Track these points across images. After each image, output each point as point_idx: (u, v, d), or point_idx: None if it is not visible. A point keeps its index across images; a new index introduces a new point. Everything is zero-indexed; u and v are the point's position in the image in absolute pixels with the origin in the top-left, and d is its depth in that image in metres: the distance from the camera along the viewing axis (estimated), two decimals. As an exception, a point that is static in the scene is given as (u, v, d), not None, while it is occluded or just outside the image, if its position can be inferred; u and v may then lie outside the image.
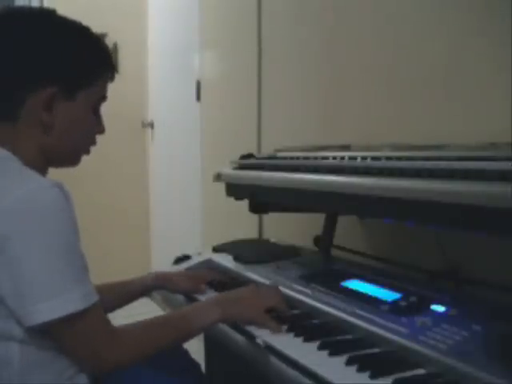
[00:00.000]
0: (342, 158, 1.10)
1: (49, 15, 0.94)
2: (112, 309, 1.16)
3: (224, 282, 1.28)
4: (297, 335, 0.93)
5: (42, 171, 0.91)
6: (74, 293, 0.79)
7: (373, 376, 0.75)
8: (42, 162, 0.91)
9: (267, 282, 1.20)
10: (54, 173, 0.95)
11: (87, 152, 0.99)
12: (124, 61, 3.27)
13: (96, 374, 0.88)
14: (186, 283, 1.26)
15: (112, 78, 1.01)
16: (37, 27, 0.90)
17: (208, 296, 1.21)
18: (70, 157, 0.98)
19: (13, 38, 0.88)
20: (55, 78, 0.89)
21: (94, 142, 1.00)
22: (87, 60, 0.94)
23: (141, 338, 0.89)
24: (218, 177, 1.45)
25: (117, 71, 1.03)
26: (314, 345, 0.87)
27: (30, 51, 0.88)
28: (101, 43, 0.98)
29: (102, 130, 1.01)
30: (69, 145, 0.94)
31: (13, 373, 0.80)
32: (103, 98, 0.99)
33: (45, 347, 0.82)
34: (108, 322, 0.85)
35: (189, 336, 0.96)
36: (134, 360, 0.87)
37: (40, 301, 0.77)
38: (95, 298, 0.82)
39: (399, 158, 0.97)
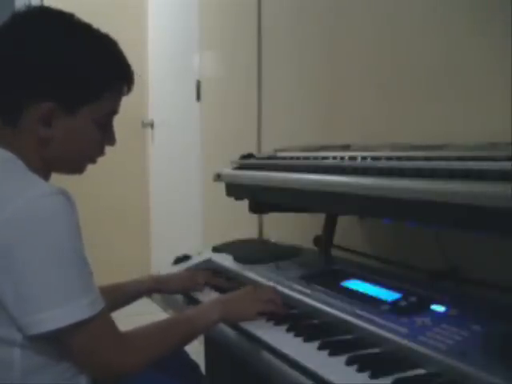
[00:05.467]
0: (342, 157, 1.10)
1: (54, 17, 0.88)
2: None
3: (220, 285, 1.27)
4: (297, 335, 0.93)
5: (45, 176, 0.89)
6: (82, 300, 0.78)
7: (373, 376, 0.76)
8: (43, 168, 0.89)
9: (267, 282, 1.20)
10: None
11: (92, 162, 0.96)
12: (124, 61, 3.26)
13: (106, 380, 0.87)
14: (181, 286, 1.27)
15: (129, 91, 0.94)
16: (38, 35, 0.85)
17: (206, 294, 1.22)
18: (72, 166, 0.95)
19: (13, 45, 0.85)
20: (54, 92, 0.85)
21: (101, 153, 0.96)
22: (92, 75, 0.88)
23: (149, 341, 0.89)
24: (218, 177, 1.45)
25: (132, 84, 0.94)
26: (314, 345, 0.87)
27: (28, 62, 0.84)
28: (113, 53, 0.91)
29: (112, 143, 0.96)
30: (68, 156, 0.91)
31: (13, 375, 0.80)
32: (113, 112, 0.93)
33: (45, 351, 0.81)
34: (116, 327, 0.84)
35: (193, 337, 0.97)
36: (144, 364, 0.86)
37: (47, 309, 0.76)
38: (102, 304, 0.81)
39: (399, 158, 0.97)
